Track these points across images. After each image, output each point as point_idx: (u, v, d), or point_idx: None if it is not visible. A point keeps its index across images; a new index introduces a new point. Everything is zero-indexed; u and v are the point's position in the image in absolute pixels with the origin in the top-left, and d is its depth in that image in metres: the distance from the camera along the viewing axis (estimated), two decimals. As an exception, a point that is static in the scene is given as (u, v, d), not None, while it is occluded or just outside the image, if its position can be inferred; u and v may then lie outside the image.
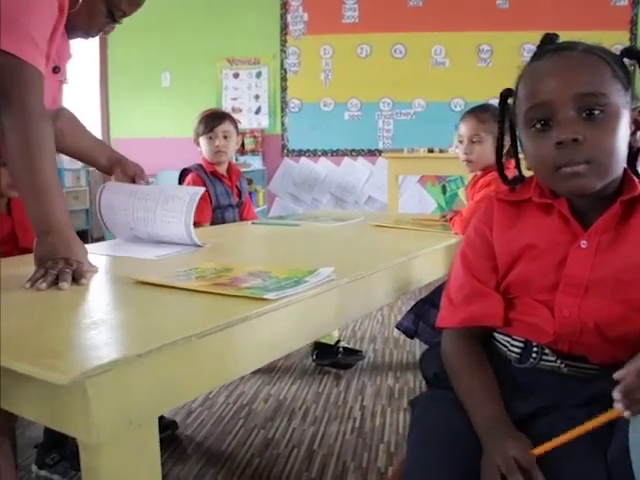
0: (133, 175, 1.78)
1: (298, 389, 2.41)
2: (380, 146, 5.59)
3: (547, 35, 1.01)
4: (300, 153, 5.67)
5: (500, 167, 1.14)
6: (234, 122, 2.65)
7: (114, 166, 1.76)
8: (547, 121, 0.93)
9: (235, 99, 5.72)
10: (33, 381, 0.75)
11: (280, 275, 1.23)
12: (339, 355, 2.65)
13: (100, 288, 1.17)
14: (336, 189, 5.67)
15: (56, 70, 1.44)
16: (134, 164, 1.80)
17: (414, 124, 5.58)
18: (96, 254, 1.47)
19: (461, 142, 2.15)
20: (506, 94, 1.09)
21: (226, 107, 5.66)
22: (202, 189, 1.68)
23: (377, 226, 2.20)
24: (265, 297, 1.03)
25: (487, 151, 2.08)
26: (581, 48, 0.94)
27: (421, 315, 2.21)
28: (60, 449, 1.73)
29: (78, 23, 1.43)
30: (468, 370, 1.04)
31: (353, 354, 2.71)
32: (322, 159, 5.66)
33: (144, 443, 0.83)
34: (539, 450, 0.85)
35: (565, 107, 0.90)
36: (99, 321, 0.92)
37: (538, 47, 1.01)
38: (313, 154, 5.66)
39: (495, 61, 5.45)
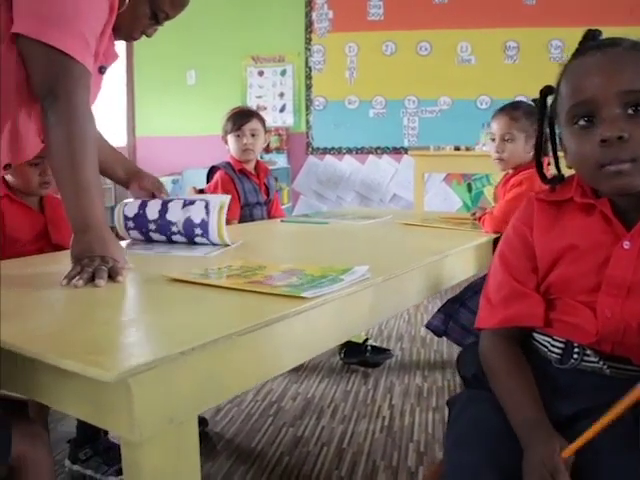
0: (151, 188, 1.77)
1: (326, 387, 2.40)
2: (405, 144, 5.56)
3: (589, 31, 1.00)
4: (325, 151, 5.66)
5: (539, 166, 1.12)
6: (262, 120, 2.66)
7: (131, 179, 1.76)
8: (591, 118, 0.91)
9: (260, 97, 5.72)
10: (75, 378, 0.75)
11: (315, 273, 1.23)
12: (367, 354, 2.65)
13: (135, 286, 1.17)
14: (360, 187, 5.66)
15: (102, 70, 1.45)
16: (152, 177, 1.80)
17: (439, 122, 5.54)
18: (130, 252, 1.48)
19: (493, 140, 2.13)
20: (546, 91, 1.07)
21: (251, 105, 5.66)
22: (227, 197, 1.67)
23: (406, 224, 2.19)
24: (302, 295, 1.03)
25: (519, 149, 2.06)
26: (625, 44, 0.92)
27: (451, 315, 2.19)
28: (93, 444, 1.74)
29: (122, 25, 1.43)
30: (506, 371, 1.03)
31: (381, 353, 2.70)
32: (347, 157, 5.64)
33: (184, 441, 0.84)
34: (569, 451, 0.84)
35: (610, 104, 0.89)
36: (138, 319, 0.93)
37: (580, 43, 0.99)
38: (338, 152, 5.65)
39: (522, 58, 5.39)
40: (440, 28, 5.47)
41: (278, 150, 5.60)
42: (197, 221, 1.63)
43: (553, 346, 1.01)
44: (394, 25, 5.54)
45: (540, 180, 1.12)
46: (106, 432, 1.79)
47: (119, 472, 1.69)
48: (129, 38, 1.52)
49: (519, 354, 1.05)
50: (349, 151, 5.64)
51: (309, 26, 5.64)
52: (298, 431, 2.03)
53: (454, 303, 2.22)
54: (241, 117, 2.60)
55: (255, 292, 1.07)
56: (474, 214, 2.34)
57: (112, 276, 1.16)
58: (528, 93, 5.31)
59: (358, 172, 5.65)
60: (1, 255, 1.75)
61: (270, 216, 2.70)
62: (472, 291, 2.23)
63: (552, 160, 1.11)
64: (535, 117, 1.12)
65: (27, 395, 0.91)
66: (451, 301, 2.24)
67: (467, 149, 4.31)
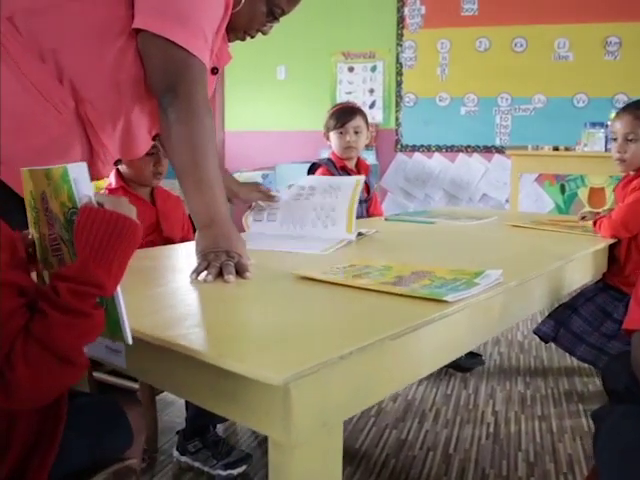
0: (256, 198, 1.81)
1: (426, 390, 2.36)
2: (497, 142, 5.42)
3: None
4: (414, 148, 5.58)
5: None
6: (365, 117, 2.62)
7: (232, 199, 1.77)
8: None
9: (349, 93, 5.69)
10: (225, 378, 0.74)
11: (446, 276, 1.19)
12: (461, 357, 2.58)
13: (265, 283, 1.16)
14: (449, 186, 5.55)
15: (214, 71, 1.44)
16: (253, 186, 1.83)
17: (533, 120, 5.37)
18: (249, 247, 1.48)
19: (615, 140, 2.03)
20: None
21: (340, 101, 5.64)
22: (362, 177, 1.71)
23: (514, 226, 2.12)
24: (444, 299, 1.00)
25: (644, 150, 1.95)
26: None
27: (562, 321, 2.12)
28: (202, 437, 1.76)
29: (238, 23, 1.42)
30: None
31: (473, 357, 2.63)
32: (436, 155, 5.55)
33: (332, 444, 0.82)
34: None
35: None
36: (285, 319, 0.91)
37: None
38: (427, 149, 5.56)
39: (624, 54, 5.16)
40: (536, 23, 5.29)
41: (367, 147, 5.54)
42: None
43: None
44: (488, 21, 5.40)
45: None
46: (215, 425, 1.81)
47: (227, 466, 1.70)
48: (245, 36, 1.51)
49: None
50: (439, 149, 5.54)
51: (401, 22, 5.57)
52: (401, 434, 1.99)
53: (566, 310, 2.14)
54: (344, 114, 2.57)
55: (392, 294, 1.04)
56: (584, 217, 2.24)
57: (240, 272, 1.15)
58: (629, 91, 5.10)
59: (447, 170, 5.55)
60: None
61: (369, 214, 2.66)
62: (584, 298, 2.15)
63: None
64: None
65: (171, 392, 0.90)
66: (562, 307, 2.17)
67: (566, 149, 4.16)
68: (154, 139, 1.45)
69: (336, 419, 0.80)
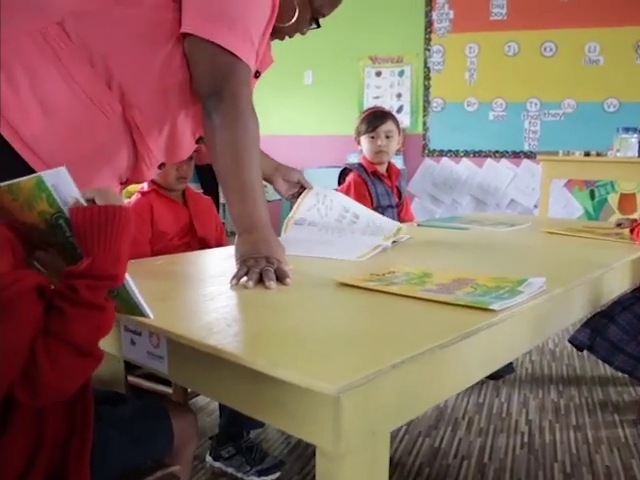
0: (297, 181, 1.77)
1: (458, 398, 2.33)
2: (525, 148, 5.37)
3: None
4: (441, 153, 5.55)
5: None
6: (396, 121, 2.61)
7: (274, 174, 1.74)
8: None
9: (377, 97, 5.68)
10: (274, 386, 0.74)
11: (488, 284, 1.17)
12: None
13: (306, 289, 1.15)
14: (477, 191, 5.51)
15: (257, 75, 1.45)
16: (294, 170, 1.79)
17: (563, 125, 5.32)
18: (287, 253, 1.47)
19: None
20: None
21: (367, 106, 5.63)
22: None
23: (550, 232, 2.09)
24: (491, 307, 0.98)
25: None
26: None
27: (598, 330, 2.08)
28: (236, 443, 1.76)
29: (284, 30, 1.44)
30: None
31: (505, 365, 2.60)
32: (464, 160, 5.51)
33: (380, 453, 0.81)
34: None
35: None
36: (332, 326, 0.90)
37: None
38: (455, 154, 5.52)
39: (657, 58, 5.10)
40: (566, 27, 5.24)
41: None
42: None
43: None
44: (517, 25, 5.36)
45: None
46: (249, 431, 1.80)
47: (261, 473, 1.70)
48: (284, 38, 1.52)
49: None
50: (466, 154, 5.50)
51: (429, 26, 5.54)
52: (435, 442, 1.97)
53: (602, 318, 2.10)
54: (376, 118, 2.56)
55: (437, 302, 1.02)
56: (620, 224, 2.21)
57: (280, 278, 1.15)
58: (661, 96, 5.04)
59: (475, 176, 5.51)
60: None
61: (400, 219, 2.65)
62: (621, 306, 2.11)
63: None
64: None
65: (215, 399, 0.90)
66: (599, 316, 2.13)
67: (597, 154, 4.10)
68: (197, 142, 1.46)
69: (384, 428, 0.79)
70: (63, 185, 0.78)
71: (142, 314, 0.85)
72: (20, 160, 1.13)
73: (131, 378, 1.82)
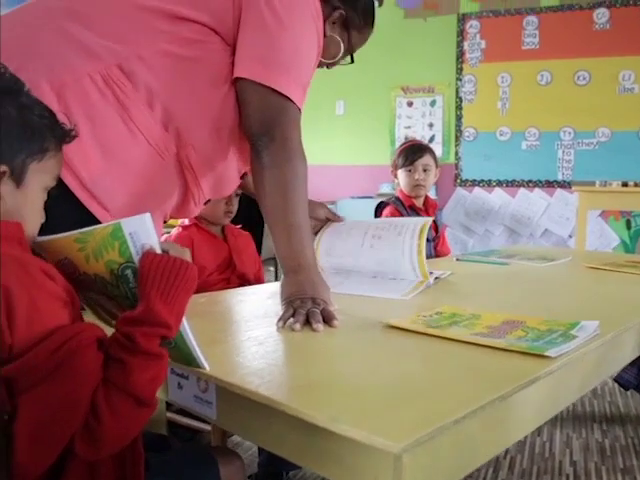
0: (324, 218, 1.76)
1: (498, 436, 2.28)
2: (559, 177, 5.32)
3: None
4: (474, 183, 5.53)
5: None
6: (434, 155, 2.60)
7: None
8: None
9: (408, 127, 5.69)
10: (329, 438, 0.72)
11: (539, 327, 1.14)
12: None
13: (353, 332, 1.13)
14: (510, 221, 5.46)
15: None
16: (320, 204, 1.78)
17: (597, 155, 5.27)
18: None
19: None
20: None
21: (399, 136, 5.65)
22: (430, 219, 1.67)
23: (592, 267, 2.05)
24: (546, 354, 0.95)
25: None
26: None
27: (646, 369, 2.03)
28: (275, 482, 1.73)
29: (324, 63, 1.46)
30: None
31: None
32: (496, 189, 5.48)
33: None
34: None
35: None
36: (388, 374, 0.88)
37: None
38: (487, 184, 5.49)
39: (692, 87, 5.05)
40: (600, 56, 5.22)
41: (427, 182, 5.53)
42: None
43: None
44: (550, 54, 5.34)
45: None
46: (288, 472, 1.78)
47: (300, 513, 1.67)
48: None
49: None
50: (499, 184, 5.47)
51: (460, 56, 5.56)
52: (477, 483, 1.93)
53: (649, 356, 2.04)
54: (413, 152, 2.55)
55: (490, 347, 1.00)
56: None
57: (327, 320, 1.13)
58: (696, 125, 4.98)
59: (508, 205, 5.46)
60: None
61: (437, 252, 2.62)
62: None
63: None
64: None
65: (267, 448, 0.88)
66: (646, 354, 2.07)
67: (636, 185, 4.04)
68: (242, 178, 1.47)
69: (443, 482, 0.76)
70: (143, 232, 0.78)
71: (198, 365, 0.85)
72: (80, 207, 1.14)
73: (168, 414, 1.81)
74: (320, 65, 1.49)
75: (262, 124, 1.25)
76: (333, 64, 1.50)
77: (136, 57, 1.18)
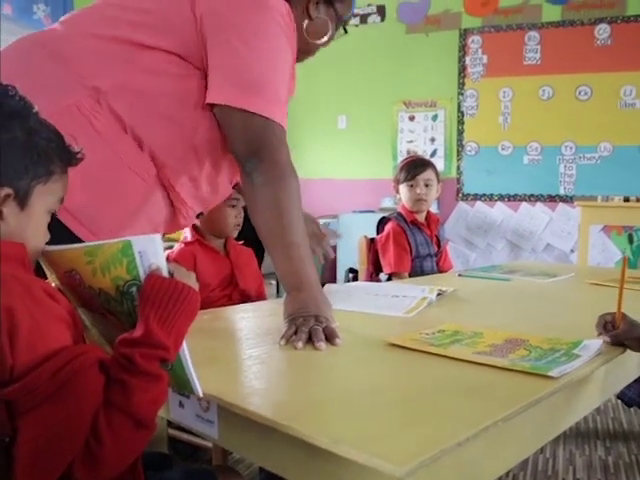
0: (311, 233, 1.71)
1: (501, 453, 2.27)
2: (561, 192, 5.32)
3: None
4: (475, 197, 5.52)
5: None
6: (436, 170, 2.60)
7: None
8: None
9: (410, 142, 5.70)
10: (328, 459, 0.71)
11: (542, 345, 1.14)
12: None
13: (355, 350, 1.13)
14: (512, 235, 5.45)
15: None
16: (310, 220, 1.71)
17: (599, 169, 5.27)
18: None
19: None
20: None
21: (401, 150, 5.66)
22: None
23: (594, 284, 2.04)
24: (549, 374, 0.95)
25: None
26: None
27: (649, 386, 2.02)
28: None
29: (318, 45, 1.47)
30: None
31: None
32: (498, 204, 5.47)
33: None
34: None
35: None
36: (389, 395, 0.87)
37: None
38: (489, 199, 5.49)
39: (694, 102, 5.06)
40: (602, 71, 5.23)
41: (428, 196, 5.53)
42: None
43: None
44: (552, 69, 5.36)
45: None
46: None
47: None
48: (314, 54, 1.54)
49: None
50: (501, 198, 5.47)
51: (462, 71, 5.57)
52: (479, 501, 1.91)
53: (652, 374, 2.04)
54: (415, 167, 2.56)
55: (492, 366, 1.00)
56: (667, 275, 2.15)
57: (329, 338, 1.13)
58: (698, 140, 4.98)
59: (510, 220, 5.46)
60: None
61: (439, 268, 2.62)
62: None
63: None
64: None
65: (268, 468, 0.88)
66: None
67: (638, 200, 4.04)
68: (234, 187, 1.48)
69: (446, 506, 0.76)
70: (151, 252, 0.78)
71: (192, 390, 0.84)
72: (66, 230, 1.14)
73: (169, 430, 1.80)
74: (317, 50, 1.49)
75: (248, 147, 1.26)
76: (328, 42, 1.48)
77: (104, 87, 1.19)
